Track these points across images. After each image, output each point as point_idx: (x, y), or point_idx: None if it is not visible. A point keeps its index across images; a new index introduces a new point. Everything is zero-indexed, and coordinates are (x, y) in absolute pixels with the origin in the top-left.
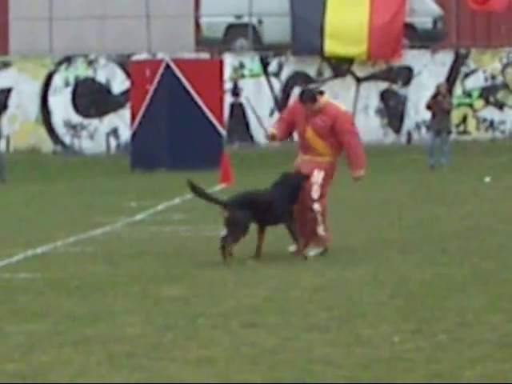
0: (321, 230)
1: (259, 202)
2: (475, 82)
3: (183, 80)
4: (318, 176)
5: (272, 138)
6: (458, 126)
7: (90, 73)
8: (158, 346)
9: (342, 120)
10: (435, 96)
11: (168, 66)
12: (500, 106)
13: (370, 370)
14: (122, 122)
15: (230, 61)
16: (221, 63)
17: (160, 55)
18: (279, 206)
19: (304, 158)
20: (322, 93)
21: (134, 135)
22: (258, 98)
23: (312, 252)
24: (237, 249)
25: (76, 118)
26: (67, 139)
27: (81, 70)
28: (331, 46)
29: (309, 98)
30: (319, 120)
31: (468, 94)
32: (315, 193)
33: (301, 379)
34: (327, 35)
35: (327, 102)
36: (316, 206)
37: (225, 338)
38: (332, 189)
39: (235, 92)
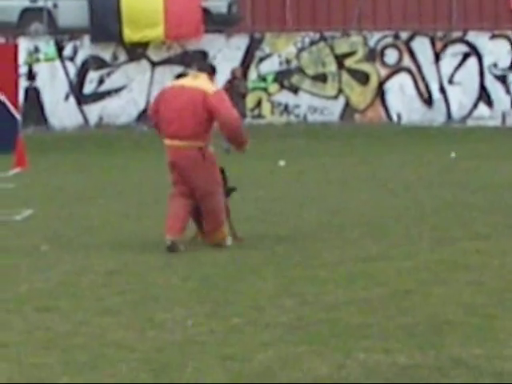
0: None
1: None
2: (270, 66)
3: None
4: None
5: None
6: (252, 109)
7: None
8: None
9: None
10: (231, 80)
11: None
12: (295, 90)
13: (162, 353)
14: None
15: (25, 45)
16: (15, 47)
17: None
18: None
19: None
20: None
21: None
22: (53, 82)
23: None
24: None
25: None
26: None
27: None
28: (129, 34)
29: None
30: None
31: (263, 78)
32: None
33: (94, 363)
34: (125, 22)
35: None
36: None
37: (18, 322)
38: None
39: (30, 76)
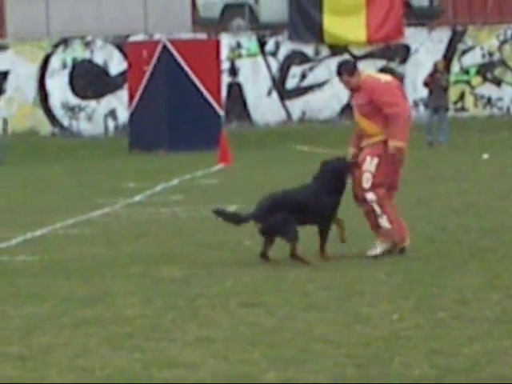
0: (384, 222)
1: (289, 202)
2: (472, 58)
3: (180, 60)
4: (370, 163)
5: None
6: (455, 103)
7: (87, 54)
8: (158, 326)
9: (379, 93)
10: (433, 73)
11: (165, 47)
12: (497, 82)
13: (369, 348)
14: (119, 103)
15: (227, 41)
16: (218, 43)
17: (157, 36)
18: (315, 204)
19: (362, 146)
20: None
21: (131, 116)
22: (256, 77)
23: (377, 250)
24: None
25: (74, 100)
26: (65, 121)
27: (78, 51)
28: (330, 35)
29: (346, 69)
30: (360, 98)
31: (465, 71)
32: (366, 182)
33: (300, 358)
34: (326, 23)
35: (366, 76)
36: (369, 196)
37: (224, 318)
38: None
39: (233, 72)
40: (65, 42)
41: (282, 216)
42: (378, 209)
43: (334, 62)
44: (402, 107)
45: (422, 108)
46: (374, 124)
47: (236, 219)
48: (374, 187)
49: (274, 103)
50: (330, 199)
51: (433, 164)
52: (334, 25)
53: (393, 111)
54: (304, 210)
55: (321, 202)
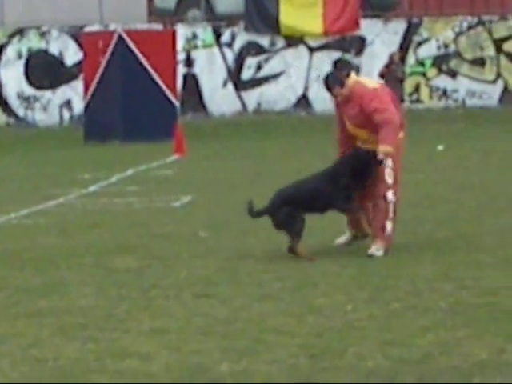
0: (389, 227)
1: (299, 194)
2: (428, 50)
3: (136, 51)
4: (386, 160)
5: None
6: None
7: (42, 45)
8: (111, 317)
9: (367, 100)
10: (388, 65)
11: (120, 38)
12: (453, 74)
13: (322, 339)
14: (75, 93)
15: (182, 31)
16: (173, 34)
17: (112, 26)
18: (327, 191)
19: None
20: (348, 74)
21: (87, 107)
22: (211, 68)
23: (379, 251)
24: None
25: (29, 90)
26: (20, 112)
27: (33, 42)
28: (285, 27)
29: (336, 81)
30: (350, 109)
31: (421, 63)
32: (389, 177)
33: (253, 349)
34: (281, 14)
35: (354, 83)
36: (390, 196)
37: (177, 308)
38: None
39: (188, 63)
40: (20, 32)
41: (288, 211)
42: (391, 211)
43: (289, 53)
44: (391, 113)
45: None
46: (371, 133)
47: (251, 212)
48: (395, 184)
49: (229, 94)
50: (346, 181)
51: None
52: (290, 17)
53: (382, 118)
54: (317, 197)
55: (335, 185)
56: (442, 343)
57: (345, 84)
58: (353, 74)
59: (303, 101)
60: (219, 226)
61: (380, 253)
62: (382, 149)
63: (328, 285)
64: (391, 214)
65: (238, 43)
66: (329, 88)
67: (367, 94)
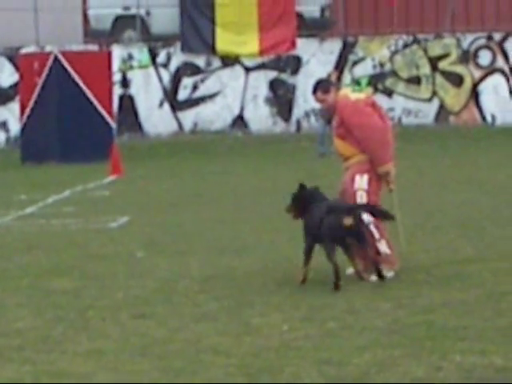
0: (383, 247)
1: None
2: (364, 69)
3: (72, 72)
4: (360, 181)
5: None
6: None
7: None
8: (48, 338)
9: (347, 114)
10: None
11: (56, 59)
12: (389, 93)
13: (259, 358)
14: (11, 115)
15: (118, 52)
16: (109, 55)
17: (48, 48)
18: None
19: (344, 168)
20: (338, 87)
21: (23, 128)
22: (148, 88)
23: (389, 273)
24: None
25: None
26: None
27: None
28: (222, 48)
29: (320, 86)
30: (334, 120)
31: (357, 82)
32: (361, 198)
33: (190, 369)
34: (218, 36)
35: (341, 95)
36: (366, 217)
37: (114, 329)
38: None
39: (124, 83)
40: None
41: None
42: (375, 232)
43: (225, 73)
44: (372, 128)
45: (313, 119)
46: (350, 146)
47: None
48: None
49: (165, 114)
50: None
51: (324, 175)
52: (227, 41)
53: (362, 135)
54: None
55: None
56: (378, 362)
57: (329, 90)
58: (346, 89)
59: (239, 121)
60: (156, 247)
61: (390, 274)
62: (381, 170)
63: (264, 304)
64: (376, 235)
65: (174, 63)
66: (314, 91)
67: (348, 107)
